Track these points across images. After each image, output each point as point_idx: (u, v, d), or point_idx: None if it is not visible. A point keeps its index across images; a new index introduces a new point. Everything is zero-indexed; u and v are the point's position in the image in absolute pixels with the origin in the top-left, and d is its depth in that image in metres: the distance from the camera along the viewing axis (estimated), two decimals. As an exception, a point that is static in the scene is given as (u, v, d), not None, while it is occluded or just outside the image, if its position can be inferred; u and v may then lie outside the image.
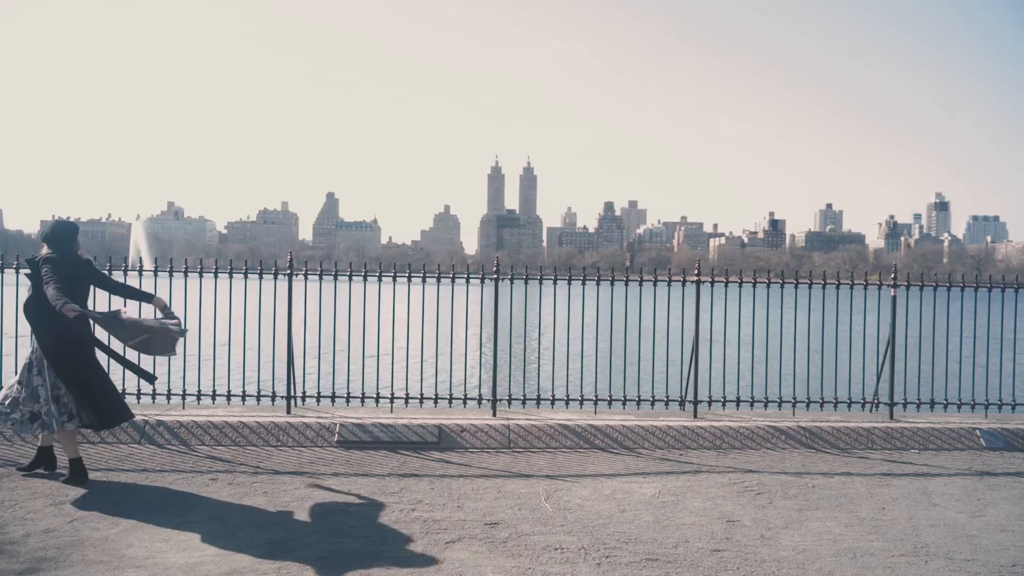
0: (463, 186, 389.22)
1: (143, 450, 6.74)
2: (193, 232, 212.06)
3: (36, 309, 5.65)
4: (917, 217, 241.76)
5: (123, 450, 6.70)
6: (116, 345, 6.14)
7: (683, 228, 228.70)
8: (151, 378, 6.08)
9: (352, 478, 6.11)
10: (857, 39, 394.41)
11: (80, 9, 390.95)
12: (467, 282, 8.41)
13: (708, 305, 8.35)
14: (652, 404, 8.36)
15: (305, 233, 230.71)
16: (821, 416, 8.35)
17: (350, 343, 8.83)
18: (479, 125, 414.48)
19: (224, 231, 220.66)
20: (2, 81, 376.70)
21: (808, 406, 8.47)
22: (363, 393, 8.05)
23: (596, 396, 8.26)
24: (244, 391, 7.93)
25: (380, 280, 8.59)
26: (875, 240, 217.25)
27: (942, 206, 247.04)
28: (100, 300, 6.63)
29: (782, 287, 8.58)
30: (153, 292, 5.99)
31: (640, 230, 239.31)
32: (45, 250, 5.78)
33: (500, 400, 8.18)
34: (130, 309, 5.90)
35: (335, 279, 8.28)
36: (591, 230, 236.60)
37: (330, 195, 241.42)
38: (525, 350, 19.59)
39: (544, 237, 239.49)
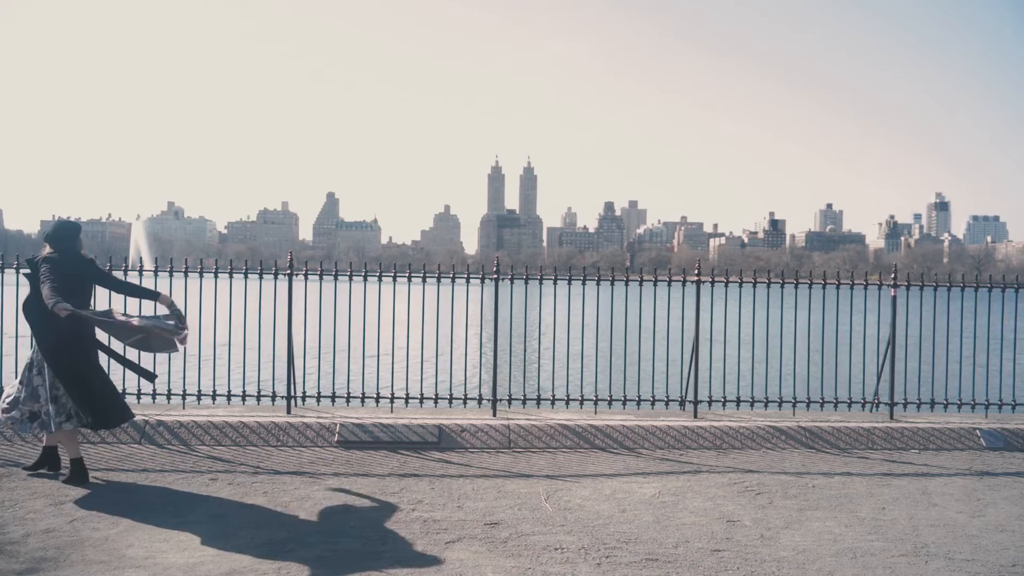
0: (463, 186, 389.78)
1: (143, 450, 6.74)
2: (193, 232, 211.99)
3: (36, 309, 5.65)
4: (917, 217, 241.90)
5: (123, 450, 6.70)
6: (116, 345, 6.14)
7: (683, 228, 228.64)
8: (151, 376, 6.07)
9: (352, 478, 6.11)
10: (857, 39, 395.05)
11: (80, 9, 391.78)
12: (467, 282, 8.41)
13: (708, 305, 8.35)
14: (652, 404, 8.36)
15: (305, 233, 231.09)
16: (821, 416, 8.35)
17: (350, 343, 8.83)
18: (479, 125, 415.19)
19: (224, 231, 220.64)
20: (2, 81, 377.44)
21: (808, 406, 8.47)
22: (363, 393, 8.06)
23: (596, 396, 8.26)
24: (244, 391, 7.93)
25: (380, 280, 8.61)
26: (875, 240, 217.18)
27: (942, 206, 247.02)
28: (103, 300, 6.63)
29: (782, 287, 8.59)
30: (158, 291, 5.98)
31: (640, 230, 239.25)
32: (47, 250, 5.78)
33: (500, 400, 8.18)
34: (127, 309, 5.89)
35: (335, 279, 8.28)
36: (591, 230, 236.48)
37: (330, 195, 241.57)
38: (525, 350, 19.58)
39: (544, 237, 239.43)
